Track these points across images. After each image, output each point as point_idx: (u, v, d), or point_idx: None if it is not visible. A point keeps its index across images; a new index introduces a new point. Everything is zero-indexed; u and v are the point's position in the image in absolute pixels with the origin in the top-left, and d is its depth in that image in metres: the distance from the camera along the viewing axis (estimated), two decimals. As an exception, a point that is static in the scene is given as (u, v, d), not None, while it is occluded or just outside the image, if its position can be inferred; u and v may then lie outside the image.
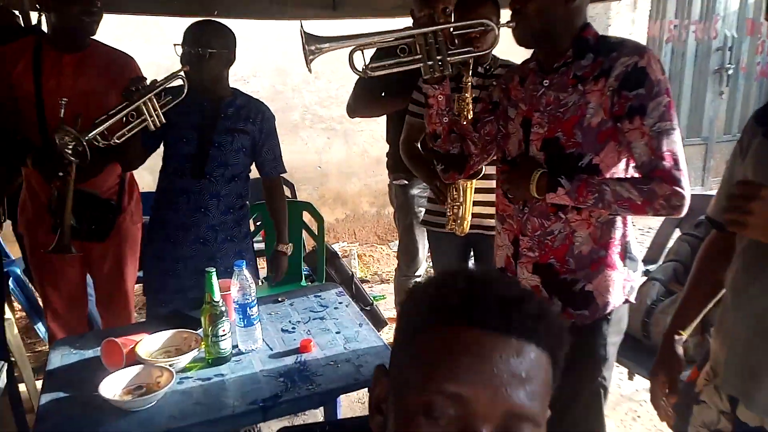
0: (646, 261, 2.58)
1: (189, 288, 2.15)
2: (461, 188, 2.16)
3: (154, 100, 1.92)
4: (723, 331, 1.25)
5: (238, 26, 3.04)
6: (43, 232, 2.13)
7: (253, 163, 2.26)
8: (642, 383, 2.61)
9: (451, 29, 1.55)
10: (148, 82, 1.92)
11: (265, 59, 4.32)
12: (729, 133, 6.12)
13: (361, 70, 1.53)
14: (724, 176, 1.33)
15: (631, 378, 2.50)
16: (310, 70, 1.52)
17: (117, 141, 1.89)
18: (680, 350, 1.39)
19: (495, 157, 1.73)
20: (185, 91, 2.00)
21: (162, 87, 1.93)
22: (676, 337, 1.39)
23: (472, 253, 2.49)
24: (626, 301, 1.58)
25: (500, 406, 0.58)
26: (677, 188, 1.38)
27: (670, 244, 2.65)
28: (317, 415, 2.34)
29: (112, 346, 1.69)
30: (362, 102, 2.71)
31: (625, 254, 1.55)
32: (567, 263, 1.52)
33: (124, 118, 1.89)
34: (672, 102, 1.40)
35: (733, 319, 1.22)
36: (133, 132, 1.91)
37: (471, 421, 0.58)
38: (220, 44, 2.07)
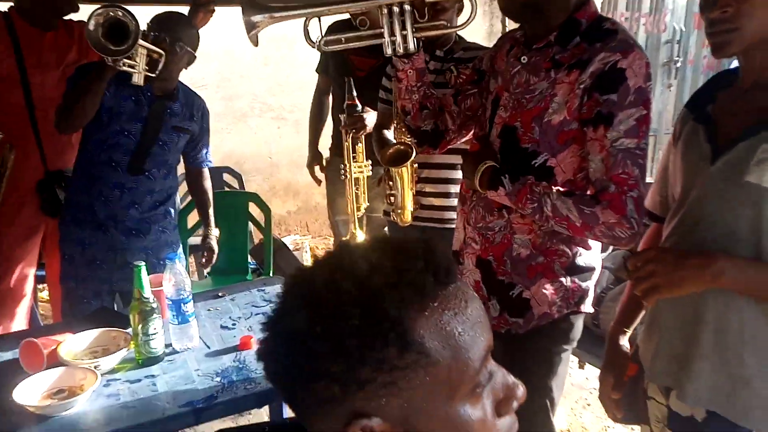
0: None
1: (116, 281, 2.06)
2: (395, 175, 2.10)
3: (144, 56, 1.80)
4: (654, 324, 1.23)
5: (182, 9, 2.90)
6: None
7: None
8: (592, 372, 2.61)
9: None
10: None
11: (211, 45, 4.14)
12: (677, 125, 6.27)
13: (315, 43, 1.42)
14: (659, 167, 1.31)
15: (581, 366, 2.50)
16: (255, 44, 1.39)
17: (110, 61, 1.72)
18: (626, 347, 1.36)
19: (473, 134, 1.57)
20: (158, 68, 1.87)
21: (155, 49, 1.83)
22: (621, 335, 1.37)
23: None
24: (576, 311, 1.45)
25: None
26: (623, 219, 1.22)
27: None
28: (263, 415, 2.24)
29: (32, 348, 1.55)
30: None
31: (573, 264, 1.41)
32: (504, 264, 1.42)
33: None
34: (648, 116, 1.23)
35: (664, 309, 1.20)
36: (121, 68, 1.76)
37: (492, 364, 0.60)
38: (191, 43, 1.99)
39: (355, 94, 2.18)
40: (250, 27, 1.36)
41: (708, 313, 1.10)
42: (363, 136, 2.28)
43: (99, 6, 1.67)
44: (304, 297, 0.57)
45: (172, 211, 2.21)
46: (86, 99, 1.83)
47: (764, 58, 1.07)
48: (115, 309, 2.02)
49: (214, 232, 2.36)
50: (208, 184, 2.37)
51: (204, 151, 2.27)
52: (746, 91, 1.10)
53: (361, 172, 2.29)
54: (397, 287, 0.55)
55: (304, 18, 1.40)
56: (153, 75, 1.86)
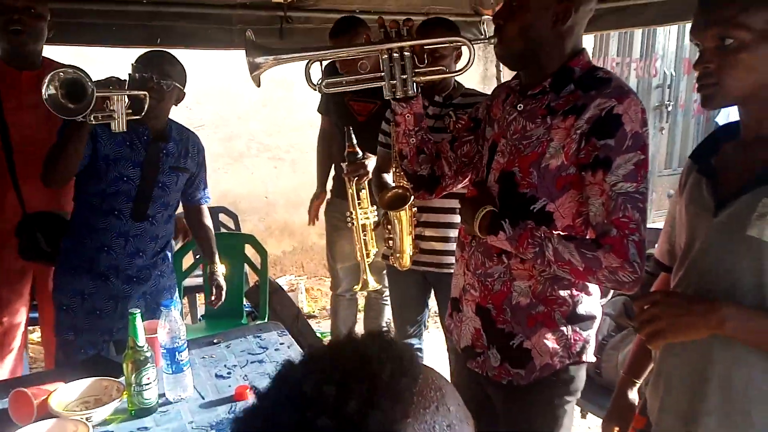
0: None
1: (116, 330, 2.01)
2: (393, 219, 2.09)
3: (123, 102, 1.78)
4: (660, 378, 1.22)
5: (181, 51, 2.94)
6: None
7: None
8: (595, 421, 2.56)
9: (422, 46, 1.43)
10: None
11: (210, 86, 4.19)
12: (670, 167, 6.33)
13: (316, 85, 1.43)
14: (666, 217, 1.31)
15: (584, 416, 2.45)
16: (258, 84, 1.40)
17: (81, 118, 1.68)
18: (635, 398, 1.34)
19: (469, 180, 1.59)
20: (144, 110, 1.85)
21: (131, 93, 1.82)
22: (630, 386, 1.35)
23: (432, 292, 2.42)
24: (578, 361, 1.42)
25: None
26: (626, 263, 1.22)
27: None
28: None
29: (22, 398, 1.51)
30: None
31: (574, 313, 1.39)
32: (504, 312, 1.40)
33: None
34: (646, 160, 1.24)
35: (669, 364, 1.19)
36: (95, 122, 1.73)
37: None
38: (179, 79, 1.99)
39: (355, 141, 2.20)
40: (254, 68, 1.37)
41: (714, 368, 1.09)
42: (367, 183, 2.30)
43: (51, 72, 1.63)
44: None
45: (170, 254, 2.20)
46: (67, 155, 1.80)
47: (760, 112, 1.08)
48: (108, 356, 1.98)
49: (220, 268, 2.31)
50: (208, 220, 2.34)
51: (202, 188, 2.25)
52: (748, 144, 1.11)
53: (368, 218, 2.29)
54: (374, 404, 0.49)
55: (306, 60, 1.42)
56: (139, 117, 1.83)
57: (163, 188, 2.03)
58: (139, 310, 1.54)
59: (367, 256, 2.25)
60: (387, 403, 0.49)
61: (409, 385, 0.52)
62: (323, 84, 1.43)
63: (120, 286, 2.02)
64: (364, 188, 2.29)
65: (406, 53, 1.38)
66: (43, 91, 1.60)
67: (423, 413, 0.51)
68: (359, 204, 2.25)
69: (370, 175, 2.31)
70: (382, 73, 1.41)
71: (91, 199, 1.98)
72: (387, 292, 2.79)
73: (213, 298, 2.28)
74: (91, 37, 2.55)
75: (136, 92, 1.84)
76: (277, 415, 0.50)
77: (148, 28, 2.62)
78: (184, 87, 2.03)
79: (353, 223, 2.26)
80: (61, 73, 1.63)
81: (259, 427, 0.51)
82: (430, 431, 0.51)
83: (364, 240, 2.25)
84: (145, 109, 1.85)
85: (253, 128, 4.48)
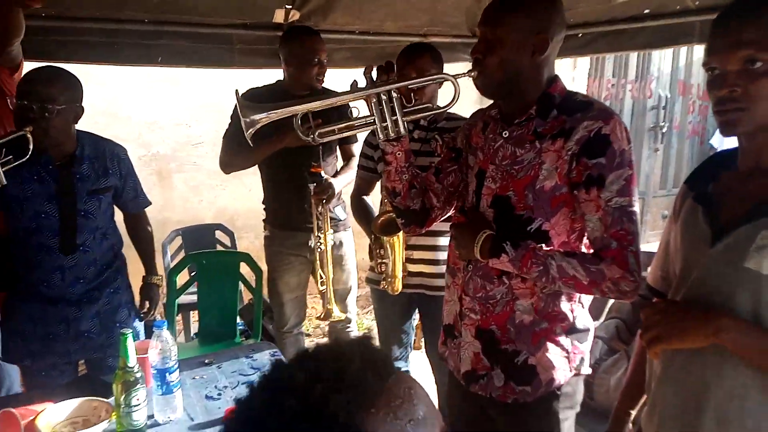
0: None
1: (74, 352, 1.98)
2: (386, 244, 2.10)
3: None
4: (654, 409, 1.21)
5: (177, 69, 2.94)
6: None
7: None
8: (587, 445, 2.54)
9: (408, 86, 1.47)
10: None
11: (208, 103, 4.22)
12: (664, 188, 6.36)
13: (309, 137, 1.46)
14: (660, 242, 1.31)
15: (576, 440, 2.43)
16: (250, 143, 1.45)
17: None
18: (630, 430, 1.34)
19: (455, 208, 1.62)
20: (30, 151, 1.74)
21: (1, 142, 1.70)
22: (626, 416, 1.34)
23: (417, 313, 2.42)
24: (577, 374, 1.46)
25: None
26: (627, 272, 1.29)
27: (612, 300, 2.64)
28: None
29: (9, 418, 1.50)
30: (234, 154, 2.48)
31: (573, 327, 1.44)
32: (508, 332, 1.43)
33: None
34: (634, 175, 1.31)
35: (665, 393, 1.18)
36: None
37: None
38: (68, 97, 1.83)
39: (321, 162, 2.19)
40: (250, 125, 1.41)
41: (709, 400, 1.08)
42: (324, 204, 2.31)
43: None
44: (245, 427, 0.55)
45: (121, 270, 2.10)
46: None
47: (765, 142, 1.05)
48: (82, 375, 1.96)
49: (157, 279, 2.21)
50: (147, 227, 2.21)
51: (133, 196, 2.11)
52: (747, 174, 1.09)
53: (331, 242, 2.30)
54: (339, 391, 0.53)
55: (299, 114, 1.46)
56: (24, 160, 1.72)
57: (87, 216, 1.93)
58: (130, 331, 1.53)
59: (323, 284, 2.25)
60: (350, 392, 0.53)
61: (376, 380, 0.56)
62: (317, 134, 1.47)
63: (69, 308, 1.95)
64: (325, 211, 2.31)
65: (394, 95, 1.43)
66: None
67: (387, 407, 0.55)
68: (320, 228, 2.27)
69: (335, 197, 2.32)
70: (372, 117, 1.45)
71: (18, 234, 1.91)
72: (352, 322, 2.72)
73: (143, 311, 2.16)
74: (93, 55, 2.55)
75: (12, 136, 1.71)
76: (252, 400, 0.56)
77: (149, 47, 2.63)
78: (79, 101, 1.87)
79: (322, 248, 2.24)
80: None
81: (239, 412, 0.57)
82: (392, 423, 0.54)
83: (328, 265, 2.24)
84: (30, 147, 1.73)
85: (251, 145, 4.49)
